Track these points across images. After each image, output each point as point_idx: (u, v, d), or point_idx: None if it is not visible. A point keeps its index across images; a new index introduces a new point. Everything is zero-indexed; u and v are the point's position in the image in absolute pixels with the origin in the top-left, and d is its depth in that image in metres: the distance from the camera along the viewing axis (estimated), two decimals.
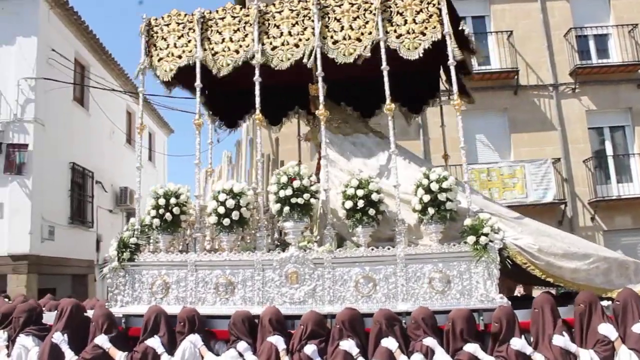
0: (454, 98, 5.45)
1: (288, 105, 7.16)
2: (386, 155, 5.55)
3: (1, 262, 13.63)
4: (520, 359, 4.44)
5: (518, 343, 4.47)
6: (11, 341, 4.95)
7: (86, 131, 16.06)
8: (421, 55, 5.44)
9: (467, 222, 4.91)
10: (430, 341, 4.51)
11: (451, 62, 5.34)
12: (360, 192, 4.94)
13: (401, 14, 5.58)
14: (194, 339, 4.65)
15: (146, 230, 5.16)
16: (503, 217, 5.24)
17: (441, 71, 6.91)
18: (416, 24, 5.51)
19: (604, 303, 4.74)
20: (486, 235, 4.82)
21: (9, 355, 4.90)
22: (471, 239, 4.82)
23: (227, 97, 6.66)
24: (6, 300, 6.96)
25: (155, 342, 4.68)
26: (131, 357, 4.68)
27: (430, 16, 5.52)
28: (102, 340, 4.74)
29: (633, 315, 4.44)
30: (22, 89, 14.45)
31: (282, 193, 4.96)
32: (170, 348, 4.67)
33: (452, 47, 5.34)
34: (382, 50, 5.41)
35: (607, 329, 4.41)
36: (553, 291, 6.52)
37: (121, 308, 5.04)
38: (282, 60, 5.60)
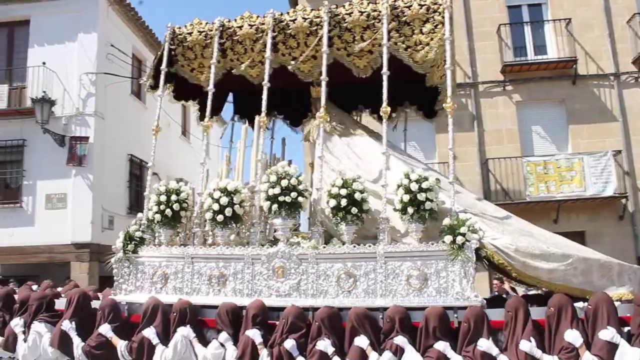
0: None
1: (289, 107, 7.64)
2: (379, 155, 5.89)
3: (65, 250, 14.94)
4: None
5: (484, 344, 4.69)
6: (27, 327, 5.65)
7: (143, 124, 17.12)
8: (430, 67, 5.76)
9: (446, 221, 5.18)
10: (400, 339, 4.81)
11: (448, 67, 5.62)
12: (343, 192, 5.33)
13: (409, 24, 5.87)
14: (186, 332, 5.16)
15: (150, 224, 5.79)
16: (486, 217, 5.49)
17: None
18: (423, 34, 5.80)
19: (580, 305, 4.93)
20: (463, 235, 5.09)
21: (25, 340, 5.59)
22: (448, 238, 5.10)
23: (252, 96, 7.13)
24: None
25: (150, 333, 5.23)
26: (130, 347, 5.27)
27: (436, 26, 5.79)
28: (105, 330, 5.35)
29: (602, 320, 4.54)
30: (84, 84, 15.65)
31: (271, 191, 5.43)
32: (165, 338, 5.21)
33: (449, 53, 5.62)
34: (385, 56, 5.74)
35: (572, 336, 4.54)
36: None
37: (125, 296, 5.68)
38: (302, 71, 6.09)
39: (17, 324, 5.68)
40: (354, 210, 5.33)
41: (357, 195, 5.34)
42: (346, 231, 5.40)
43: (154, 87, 6.66)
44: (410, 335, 4.88)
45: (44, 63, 15.70)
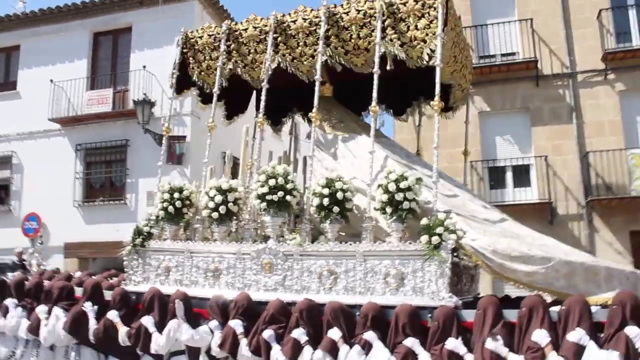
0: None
1: (288, 106, 7.93)
2: (378, 154, 6.06)
3: None
4: (453, 359, 4.77)
5: (452, 343, 4.78)
6: (49, 313, 6.44)
7: (235, 122, 18.10)
8: (425, 63, 5.87)
9: (423, 221, 5.29)
10: (369, 335, 5.00)
11: (437, 64, 5.69)
12: (326, 191, 5.60)
13: (404, 20, 5.99)
14: (178, 320, 5.65)
15: (157, 220, 6.40)
16: (470, 218, 5.51)
17: None
18: (418, 30, 5.91)
19: (556, 308, 4.85)
20: (439, 235, 5.19)
21: (46, 325, 6.35)
22: (424, 238, 5.21)
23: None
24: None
25: (148, 321, 5.78)
26: (130, 333, 5.89)
27: (432, 21, 5.87)
28: (112, 315, 6.00)
29: (572, 321, 4.51)
30: None
31: (260, 190, 5.83)
32: (161, 325, 5.76)
33: (439, 51, 5.69)
34: (377, 54, 5.91)
35: (539, 335, 4.52)
36: None
37: (134, 287, 6.33)
38: (301, 72, 6.43)
39: (41, 310, 6.49)
40: (336, 209, 5.58)
41: (340, 195, 5.58)
42: (330, 229, 5.67)
43: (179, 91, 7.29)
44: (382, 332, 5.06)
45: (144, 67, 17.12)
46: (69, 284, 6.67)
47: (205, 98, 7.55)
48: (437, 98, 5.65)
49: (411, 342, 4.90)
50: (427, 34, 5.82)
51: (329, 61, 6.18)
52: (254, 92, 7.82)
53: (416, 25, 5.88)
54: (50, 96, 18.45)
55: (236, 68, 6.76)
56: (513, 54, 15.77)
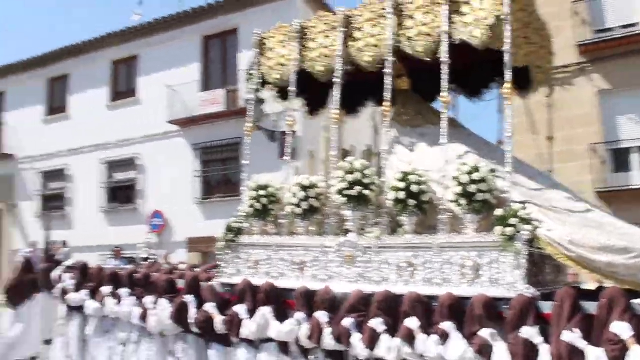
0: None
1: (368, 99, 8.00)
2: (452, 145, 6.11)
3: None
4: (527, 348, 4.73)
5: (527, 332, 4.78)
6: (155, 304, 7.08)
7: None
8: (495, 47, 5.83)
9: (497, 212, 5.31)
10: (447, 325, 5.11)
11: (506, 49, 5.63)
12: (401, 185, 5.75)
13: (467, 3, 5.96)
14: (266, 311, 6.06)
15: (246, 217, 6.81)
16: (548, 208, 5.43)
17: None
18: (482, 10, 5.81)
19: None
20: (513, 226, 5.18)
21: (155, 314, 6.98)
22: (498, 229, 5.23)
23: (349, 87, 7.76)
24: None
25: (241, 309, 6.25)
26: (224, 321, 6.35)
27: (492, 3, 5.79)
28: (209, 307, 6.52)
29: None
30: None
31: (339, 185, 6.08)
32: (253, 314, 6.19)
33: (507, 32, 5.62)
34: (445, 43, 5.96)
35: (619, 327, 4.41)
36: None
37: (227, 279, 6.78)
38: (367, 62, 6.59)
39: (149, 300, 7.13)
40: (412, 202, 5.72)
41: (415, 188, 5.70)
42: (407, 222, 5.81)
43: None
44: (459, 323, 5.15)
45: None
46: (172, 278, 7.26)
47: (284, 95, 7.86)
48: (507, 85, 5.59)
49: (487, 333, 4.95)
50: (486, 17, 5.76)
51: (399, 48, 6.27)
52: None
53: (480, 8, 5.84)
54: (167, 100, 19.68)
55: (306, 64, 7.03)
56: (634, 25, 14.92)
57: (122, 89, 21.96)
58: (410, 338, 5.19)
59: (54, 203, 23.03)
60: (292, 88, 7.11)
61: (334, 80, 6.58)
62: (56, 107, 23.67)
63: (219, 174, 19.69)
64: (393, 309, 5.47)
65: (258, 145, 17.33)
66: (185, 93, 19.47)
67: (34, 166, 23.79)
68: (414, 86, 7.21)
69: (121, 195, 21.66)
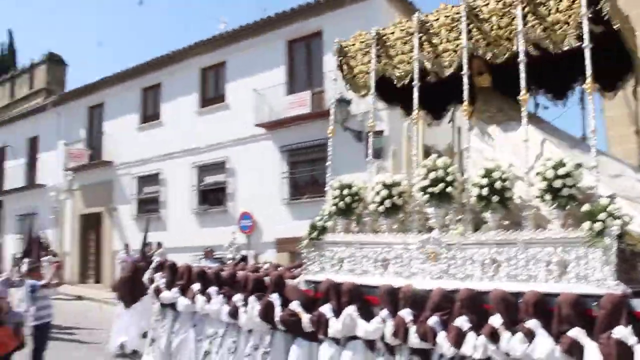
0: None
1: (449, 98, 7.94)
2: (536, 141, 6.04)
3: None
4: (621, 349, 4.59)
5: (620, 332, 4.65)
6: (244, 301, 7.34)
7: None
8: (571, 46, 5.75)
9: (585, 207, 5.20)
10: (532, 323, 5.04)
11: (585, 45, 5.54)
12: (484, 181, 5.74)
13: (544, 4, 5.90)
14: (351, 310, 6.18)
15: (330, 215, 6.98)
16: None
17: None
18: (559, 12, 5.80)
19: None
20: (602, 221, 5.07)
21: (245, 312, 7.22)
22: (586, 224, 5.13)
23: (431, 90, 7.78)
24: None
25: (326, 309, 6.39)
26: (312, 320, 6.52)
27: (573, 1, 5.72)
28: (295, 306, 6.71)
29: None
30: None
31: (421, 183, 6.14)
32: (338, 313, 6.32)
33: (585, 28, 5.52)
34: (521, 42, 5.90)
35: None
36: None
37: (312, 276, 6.96)
38: (446, 67, 6.64)
39: (238, 298, 7.44)
40: (496, 198, 5.70)
41: (498, 184, 5.67)
42: (491, 218, 5.79)
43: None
44: (545, 321, 5.09)
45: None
46: (260, 276, 7.54)
47: (386, 99, 7.97)
48: (588, 80, 5.48)
49: (576, 332, 4.85)
50: (569, 16, 5.67)
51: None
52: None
53: (557, 8, 5.76)
54: (254, 104, 20.20)
55: (386, 70, 7.11)
56: None
57: (211, 95, 22.71)
58: (494, 336, 5.17)
59: (149, 206, 24.11)
60: (372, 92, 7.19)
61: (413, 83, 6.64)
62: (149, 115, 24.78)
63: (306, 175, 19.98)
64: (477, 306, 5.47)
65: (345, 145, 17.60)
66: (271, 96, 19.89)
67: (130, 171, 25.01)
68: (495, 83, 7.17)
69: (212, 197, 22.38)
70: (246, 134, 20.81)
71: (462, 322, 5.41)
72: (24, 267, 13.11)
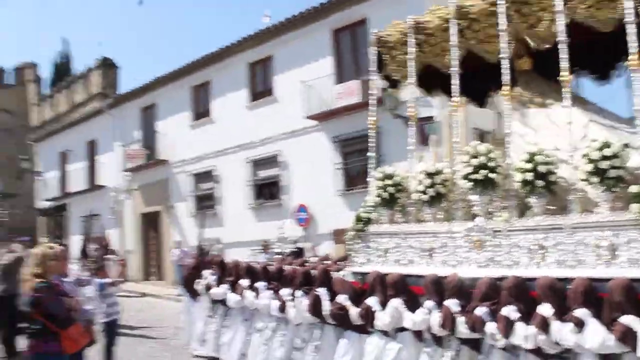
0: None
1: (490, 83, 7.73)
2: (580, 122, 5.89)
3: None
4: None
5: None
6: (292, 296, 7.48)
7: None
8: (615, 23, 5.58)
9: (633, 189, 5.06)
10: (581, 312, 4.93)
11: (629, 21, 5.34)
12: (528, 166, 5.64)
13: None
14: (397, 302, 6.21)
15: (374, 206, 6.99)
16: None
17: None
18: None
19: None
20: None
21: (294, 307, 7.38)
22: (636, 206, 4.97)
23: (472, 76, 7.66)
24: None
25: (373, 301, 6.42)
26: (360, 313, 6.56)
27: None
28: (342, 299, 6.77)
29: None
30: None
31: (464, 170, 6.08)
32: (384, 305, 6.34)
33: (628, 3, 5.34)
34: (561, 21, 5.76)
35: None
36: None
37: (358, 268, 7.00)
38: (488, 53, 6.54)
39: (286, 292, 7.56)
40: (540, 182, 5.59)
41: (542, 168, 5.57)
42: (536, 203, 5.69)
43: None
44: (595, 308, 4.98)
45: None
46: (308, 270, 7.63)
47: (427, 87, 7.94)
48: (632, 57, 5.29)
49: (630, 319, 4.72)
50: None
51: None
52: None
53: None
54: (303, 96, 20.30)
55: (429, 58, 7.05)
56: None
57: (260, 89, 22.91)
58: (544, 325, 5.07)
59: (205, 202, 24.57)
60: (412, 81, 7.14)
61: (452, 70, 6.57)
62: (201, 112, 25.19)
63: (359, 165, 19.95)
64: (524, 294, 5.40)
65: (397, 133, 17.48)
66: (320, 87, 19.93)
67: (185, 169, 25.54)
68: (536, 65, 7.02)
69: (266, 191, 22.62)
70: (297, 126, 20.92)
71: (510, 311, 5.34)
72: (75, 268, 13.59)
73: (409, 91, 8.04)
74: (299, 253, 16.07)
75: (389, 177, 6.83)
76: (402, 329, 6.26)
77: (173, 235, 25.45)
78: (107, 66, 34.80)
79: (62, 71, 45.76)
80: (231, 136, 23.06)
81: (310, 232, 20.32)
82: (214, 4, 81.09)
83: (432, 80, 7.85)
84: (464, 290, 5.84)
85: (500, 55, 6.17)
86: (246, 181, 22.89)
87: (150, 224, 27.84)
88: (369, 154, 7.59)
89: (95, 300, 9.17)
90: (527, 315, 5.26)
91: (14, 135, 43.82)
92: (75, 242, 29.93)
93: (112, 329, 9.09)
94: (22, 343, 6.02)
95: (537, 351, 5.14)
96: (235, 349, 8.36)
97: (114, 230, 28.29)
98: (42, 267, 5.68)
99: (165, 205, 26.41)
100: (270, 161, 22.15)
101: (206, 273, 9.16)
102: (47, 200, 35.60)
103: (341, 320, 6.77)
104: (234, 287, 8.53)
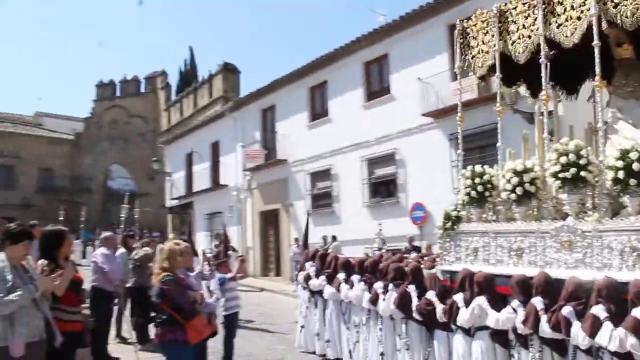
0: None
1: (584, 72, 7.36)
2: None
3: None
4: None
5: None
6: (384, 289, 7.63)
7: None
8: None
9: None
10: None
11: (595, 44, 5.25)
12: (619, 163, 5.44)
13: None
14: (481, 300, 6.19)
15: (464, 204, 6.97)
16: None
17: None
18: None
19: None
20: None
21: (384, 299, 7.54)
22: None
23: (564, 64, 7.37)
24: None
25: (459, 298, 6.46)
26: (445, 310, 6.61)
27: None
28: (430, 295, 6.86)
29: None
30: None
31: (552, 168, 5.95)
32: (469, 303, 6.31)
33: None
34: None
35: None
36: None
37: (448, 266, 7.02)
38: (566, 36, 6.32)
39: (378, 286, 7.71)
40: (633, 181, 5.37)
41: (636, 166, 5.34)
42: (630, 203, 5.48)
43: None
44: None
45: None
46: (401, 266, 7.76)
47: (509, 81, 7.81)
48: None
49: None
50: None
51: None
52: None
53: None
54: (420, 93, 20.26)
55: (506, 47, 6.94)
56: None
57: (376, 88, 23.10)
58: (637, 330, 4.91)
59: (322, 201, 25.13)
60: (497, 73, 7.07)
61: (540, 60, 6.44)
62: (318, 112, 25.81)
63: (477, 162, 19.56)
64: (616, 297, 5.23)
65: (516, 128, 16.99)
66: (436, 84, 19.81)
67: (303, 168, 26.22)
68: (638, 53, 6.69)
69: (382, 189, 22.77)
70: (413, 124, 20.89)
71: (598, 310, 5.20)
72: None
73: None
74: (414, 251, 16.13)
75: (479, 175, 6.80)
76: (484, 328, 6.24)
77: (291, 233, 26.22)
78: (229, 71, 36.56)
79: (188, 77, 48.39)
80: (348, 135, 23.41)
81: (427, 231, 20.21)
82: (328, 4, 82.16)
83: (506, 72, 7.68)
84: (551, 289, 5.75)
85: (594, 42, 5.93)
86: (362, 179, 23.15)
87: (270, 221, 28.85)
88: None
89: (217, 293, 9.74)
90: (617, 318, 5.11)
91: (146, 140, 47.37)
92: (200, 239, 31.64)
93: (233, 322, 9.54)
94: (153, 331, 6.58)
95: (623, 356, 4.98)
96: (333, 341, 8.66)
97: (235, 227, 29.54)
98: (169, 261, 6.22)
99: (284, 204, 27.25)
100: (387, 159, 22.27)
101: (307, 265, 9.53)
102: (175, 199, 37.86)
103: (427, 316, 6.85)
104: (331, 279, 8.83)
